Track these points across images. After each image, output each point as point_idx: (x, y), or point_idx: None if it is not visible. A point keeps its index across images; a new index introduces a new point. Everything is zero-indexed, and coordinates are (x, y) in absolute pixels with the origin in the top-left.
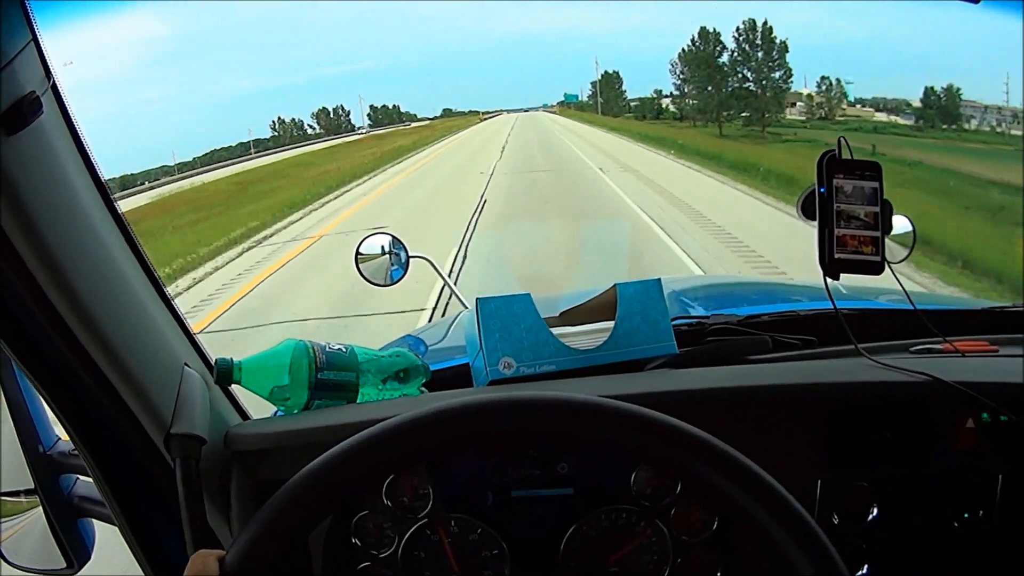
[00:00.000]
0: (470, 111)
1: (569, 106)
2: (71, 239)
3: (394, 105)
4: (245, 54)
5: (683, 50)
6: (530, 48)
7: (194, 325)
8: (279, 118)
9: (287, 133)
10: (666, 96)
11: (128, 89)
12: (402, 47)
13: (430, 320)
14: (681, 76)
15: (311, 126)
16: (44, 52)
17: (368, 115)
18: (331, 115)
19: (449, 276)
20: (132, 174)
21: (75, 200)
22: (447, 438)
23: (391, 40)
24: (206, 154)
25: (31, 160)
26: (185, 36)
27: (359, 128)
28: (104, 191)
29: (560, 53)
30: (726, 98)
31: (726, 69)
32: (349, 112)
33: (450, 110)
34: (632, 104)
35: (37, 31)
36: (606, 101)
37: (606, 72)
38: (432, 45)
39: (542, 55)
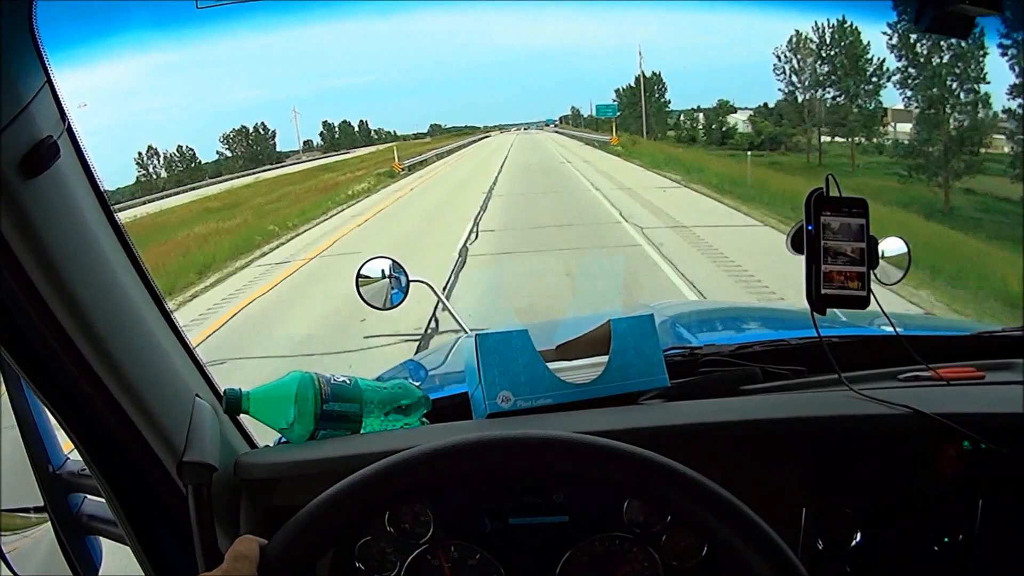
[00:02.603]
0: (467, 126)
1: (597, 123)
2: (88, 276)
3: (361, 121)
4: (248, 65)
5: (796, 36)
6: (529, 58)
7: None
8: (150, 147)
9: (173, 171)
10: (740, 109)
11: (125, 99)
12: (405, 60)
13: (421, 339)
14: (794, 78)
15: (221, 153)
16: (59, 93)
17: (321, 134)
18: (250, 137)
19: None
20: None
21: (91, 238)
22: (450, 472)
23: (395, 53)
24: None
25: (49, 202)
26: (187, 47)
27: (276, 162)
28: (117, 227)
29: (557, 65)
30: (969, 132)
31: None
32: (274, 133)
33: (439, 125)
34: (679, 120)
35: (51, 73)
36: (644, 116)
37: (642, 76)
38: (433, 57)
39: (537, 66)
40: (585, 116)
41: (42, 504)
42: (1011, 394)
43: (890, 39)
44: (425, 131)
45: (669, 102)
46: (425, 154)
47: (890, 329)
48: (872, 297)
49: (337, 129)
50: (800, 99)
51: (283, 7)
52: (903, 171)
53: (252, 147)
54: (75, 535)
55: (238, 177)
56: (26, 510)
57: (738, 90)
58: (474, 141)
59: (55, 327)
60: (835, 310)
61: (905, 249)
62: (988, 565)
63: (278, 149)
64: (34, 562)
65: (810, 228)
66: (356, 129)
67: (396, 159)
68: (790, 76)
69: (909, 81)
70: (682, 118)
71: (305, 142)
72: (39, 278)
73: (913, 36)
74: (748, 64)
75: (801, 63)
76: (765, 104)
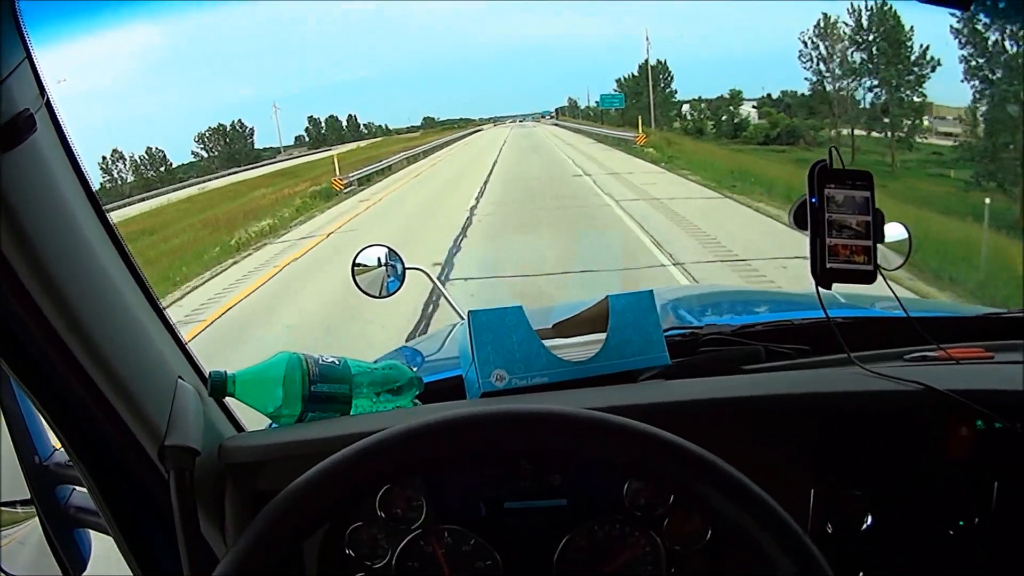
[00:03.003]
0: (462, 119)
1: (601, 115)
2: (66, 254)
3: (350, 115)
4: (241, 63)
5: (825, 20)
6: (523, 49)
7: None
8: (115, 151)
9: (141, 176)
10: (748, 100)
11: (121, 99)
12: (399, 53)
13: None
14: (822, 66)
15: (197, 153)
16: (38, 69)
17: (307, 130)
18: (228, 136)
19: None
20: None
21: (69, 215)
22: (436, 451)
23: (389, 46)
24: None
25: (25, 176)
26: (179, 45)
27: (255, 161)
28: (97, 205)
29: (553, 55)
30: None
31: None
32: (252, 130)
33: (432, 119)
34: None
35: (31, 49)
36: (651, 106)
37: (647, 64)
38: (427, 50)
39: (532, 56)
40: (583, 107)
41: (29, 497)
42: (1021, 374)
43: (959, 20)
44: (418, 124)
45: (675, 92)
46: (391, 158)
47: (896, 309)
48: (880, 275)
49: (324, 124)
50: (828, 89)
51: None
52: (968, 176)
53: (230, 146)
54: (63, 528)
55: (170, 192)
56: (13, 504)
57: (740, 81)
58: (462, 136)
59: (31, 305)
60: (835, 293)
61: (906, 235)
62: (1005, 550)
63: (268, 146)
64: (22, 556)
65: (814, 201)
66: (344, 124)
67: (336, 171)
68: (817, 64)
69: (979, 72)
70: (686, 109)
71: (297, 137)
72: (14, 254)
73: (984, 19)
74: (749, 55)
75: (830, 49)
76: (768, 95)
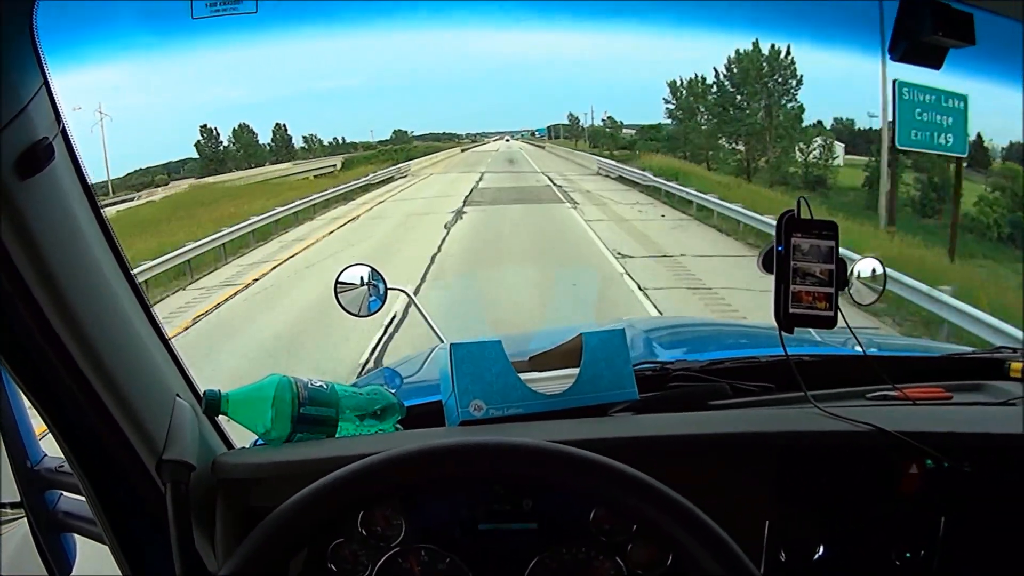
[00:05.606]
0: (445, 133)
1: (611, 139)
2: (77, 275)
3: (279, 125)
4: (232, 65)
5: None
6: (513, 58)
7: None
8: None
9: None
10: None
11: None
12: (389, 62)
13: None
14: None
15: None
16: (54, 96)
17: (197, 144)
18: None
19: None
20: None
21: (82, 239)
22: (416, 477)
23: (381, 55)
24: None
25: (43, 202)
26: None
27: None
28: (106, 228)
29: (546, 65)
30: None
31: None
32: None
33: (404, 132)
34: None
35: (48, 76)
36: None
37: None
38: (403, 60)
39: (523, 66)
40: (587, 127)
41: (18, 500)
42: (976, 415)
43: None
44: (388, 138)
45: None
46: None
47: (866, 346)
48: (841, 317)
49: (228, 138)
50: None
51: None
52: None
53: None
54: (50, 532)
55: None
56: (2, 505)
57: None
58: (387, 180)
59: (44, 324)
60: (809, 329)
61: (880, 271)
62: None
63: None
64: (5, 558)
65: (780, 249)
66: (271, 138)
67: None
68: None
69: None
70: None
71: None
72: (31, 276)
73: None
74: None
75: None
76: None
